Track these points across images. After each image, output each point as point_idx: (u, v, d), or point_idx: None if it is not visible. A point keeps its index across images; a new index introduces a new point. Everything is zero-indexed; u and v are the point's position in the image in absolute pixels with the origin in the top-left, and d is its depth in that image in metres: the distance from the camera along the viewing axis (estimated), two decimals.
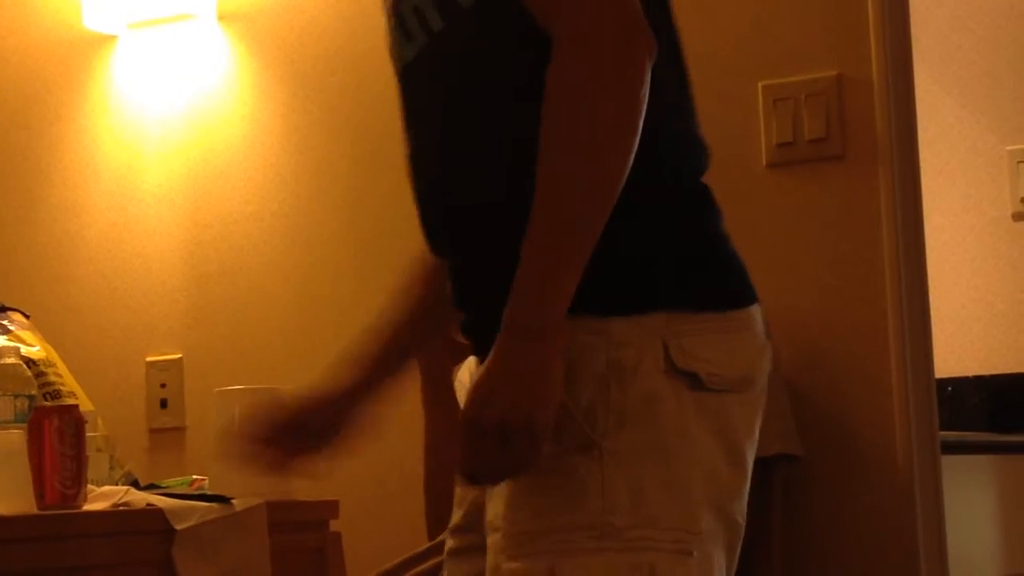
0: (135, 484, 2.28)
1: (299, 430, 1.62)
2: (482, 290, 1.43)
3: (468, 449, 1.34)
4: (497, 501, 1.40)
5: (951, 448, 2.59)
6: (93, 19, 2.95)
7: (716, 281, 1.43)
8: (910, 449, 2.34)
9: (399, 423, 2.64)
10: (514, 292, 1.33)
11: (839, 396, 2.37)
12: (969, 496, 2.95)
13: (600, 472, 1.35)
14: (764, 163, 2.48)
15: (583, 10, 1.33)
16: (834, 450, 2.36)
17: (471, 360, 2.31)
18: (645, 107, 1.33)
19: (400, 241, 2.72)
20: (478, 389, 1.34)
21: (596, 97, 1.32)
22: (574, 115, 1.32)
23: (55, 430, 2.00)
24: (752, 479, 1.84)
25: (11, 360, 2.17)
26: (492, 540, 1.41)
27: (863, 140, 2.41)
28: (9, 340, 2.38)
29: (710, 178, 2.44)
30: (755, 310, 1.44)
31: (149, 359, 2.95)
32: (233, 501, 2.15)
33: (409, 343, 1.66)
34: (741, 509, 1.41)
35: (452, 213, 1.46)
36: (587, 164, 1.33)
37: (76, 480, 2.00)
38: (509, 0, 1.39)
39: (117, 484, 2.23)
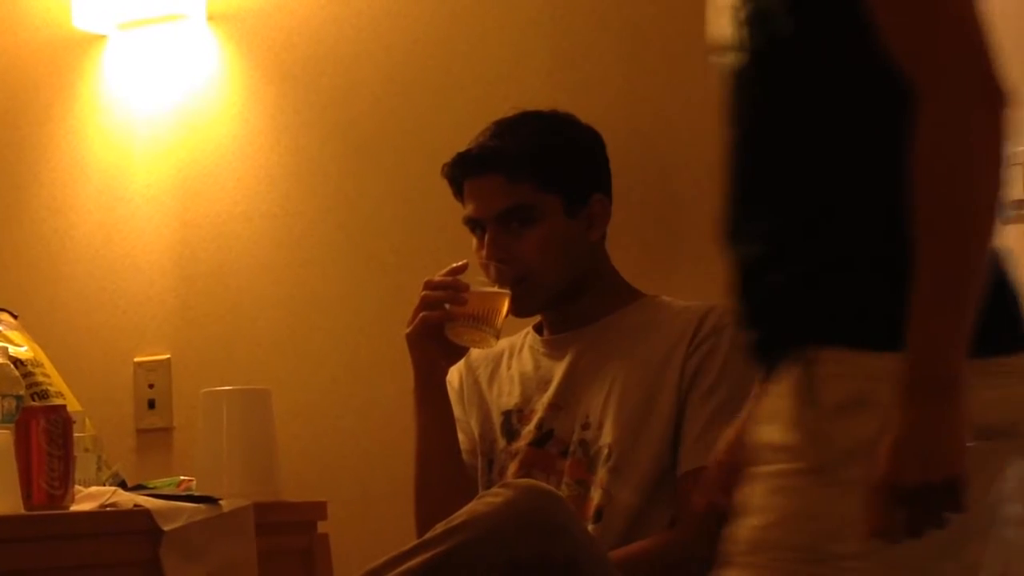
0: (122, 485, 2.29)
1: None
2: (776, 303, 1.47)
3: (886, 511, 1.35)
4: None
5: None
6: (83, 19, 2.94)
7: (1007, 323, 1.43)
8: None
9: (387, 424, 2.67)
10: (915, 348, 1.35)
11: None
12: None
13: (841, 499, 1.38)
14: None
15: (949, 67, 1.35)
16: None
17: (461, 363, 2.33)
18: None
19: (390, 242, 2.76)
20: (895, 451, 1.34)
21: (972, 166, 1.35)
22: (951, 183, 1.34)
23: (42, 430, 2.00)
24: None
25: None
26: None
27: None
28: None
29: (712, 179, 2.43)
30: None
31: (137, 359, 2.94)
32: (221, 502, 2.15)
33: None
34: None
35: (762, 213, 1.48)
36: (968, 222, 1.35)
37: (63, 480, 2.01)
38: (832, 31, 1.41)
39: (105, 485, 2.24)
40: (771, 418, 1.45)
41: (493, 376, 2.35)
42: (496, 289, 2.17)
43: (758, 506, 1.43)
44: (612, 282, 2.33)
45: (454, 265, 2.19)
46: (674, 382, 2.18)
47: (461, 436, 2.30)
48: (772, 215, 1.47)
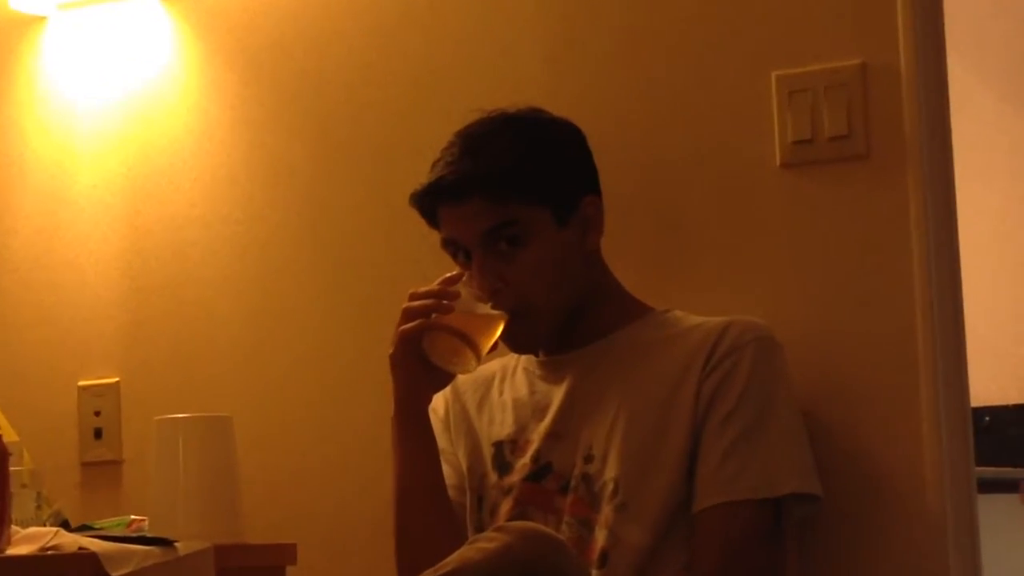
0: (65, 525, 2.28)
1: None
2: None
3: None
4: None
5: (988, 486, 2.59)
6: None
7: None
8: (942, 487, 2.33)
9: (365, 456, 2.67)
10: None
11: (862, 427, 2.36)
12: (1008, 538, 2.96)
13: None
14: (778, 163, 2.47)
15: None
16: (856, 489, 2.35)
17: (448, 389, 2.33)
18: None
19: (368, 250, 2.76)
20: None
21: None
22: None
23: None
24: (764, 521, 1.83)
25: None
26: None
27: (890, 137, 2.40)
28: None
29: (715, 180, 2.49)
30: None
31: (82, 383, 2.94)
32: (176, 545, 2.15)
33: None
34: None
35: None
36: None
37: None
38: None
39: (45, 525, 2.24)
40: None
41: (483, 402, 2.36)
42: (491, 311, 2.17)
43: None
44: (615, 295, 2.34)
45: (448, 275, 2.19)
46: (689, 406, 2.18)
47: (447, 470, 2.30)
48: None
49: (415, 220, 2.61)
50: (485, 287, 2.19)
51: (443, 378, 2.24)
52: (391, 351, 2.18)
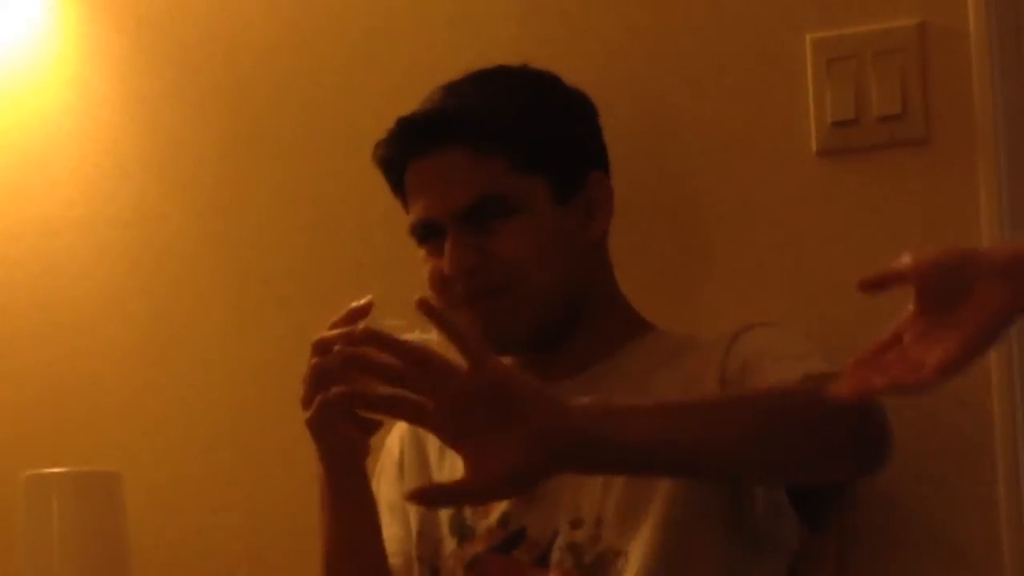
0: None
1: None
2: None
3: None
4: None
5: None
6: None
7: None
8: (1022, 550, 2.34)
9: (277, 524, 2.70)
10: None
11: (919, 456, 2.35)
12: None
13: None
14: (814, 150, 2.46)
15: None
16: (905, 545, 2.38)
17: (404, 427, 2.34)
18: None
19: (291, 261, 2.77)
20: None
21: None
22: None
23: None
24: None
25: None
26: None
27: (954, 117, 2.39)
28: None
29: (737, 171, 2.44)
30: None
31: None
32: None
33: None
34: None
35: None
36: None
37: None
38: None
39: None
40: None
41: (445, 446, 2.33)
42: (420, 335, 2.09)
43: None
44: (618, 307, 2.34)
45: (353, 306, 2.12)
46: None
47: (395, 531, 2.31)
48: None
49: (352, 222, 2.73)
50: (459, 267, 2.20)
51: (373, 428, 2.20)
52: (308, 415, 2.14)
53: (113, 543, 2.39)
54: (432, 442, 2.32)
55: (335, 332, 2.10)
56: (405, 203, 2.29)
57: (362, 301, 2.11)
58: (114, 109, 2.86)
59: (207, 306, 2.80)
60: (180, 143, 2.83)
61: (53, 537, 2.37)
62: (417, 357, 1.82)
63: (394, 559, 2.28)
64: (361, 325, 2.05)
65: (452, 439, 1.80)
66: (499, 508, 2.23)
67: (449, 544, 2.26)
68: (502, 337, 2.23)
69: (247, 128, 2.79)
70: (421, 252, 2.27)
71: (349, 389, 2.05)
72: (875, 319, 2.31)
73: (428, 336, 2.08)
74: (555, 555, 2.18)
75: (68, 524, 2.38)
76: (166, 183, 2.83)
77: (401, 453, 2.36)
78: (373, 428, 2.18)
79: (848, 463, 2.00)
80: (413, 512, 2.31)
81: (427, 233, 2.25)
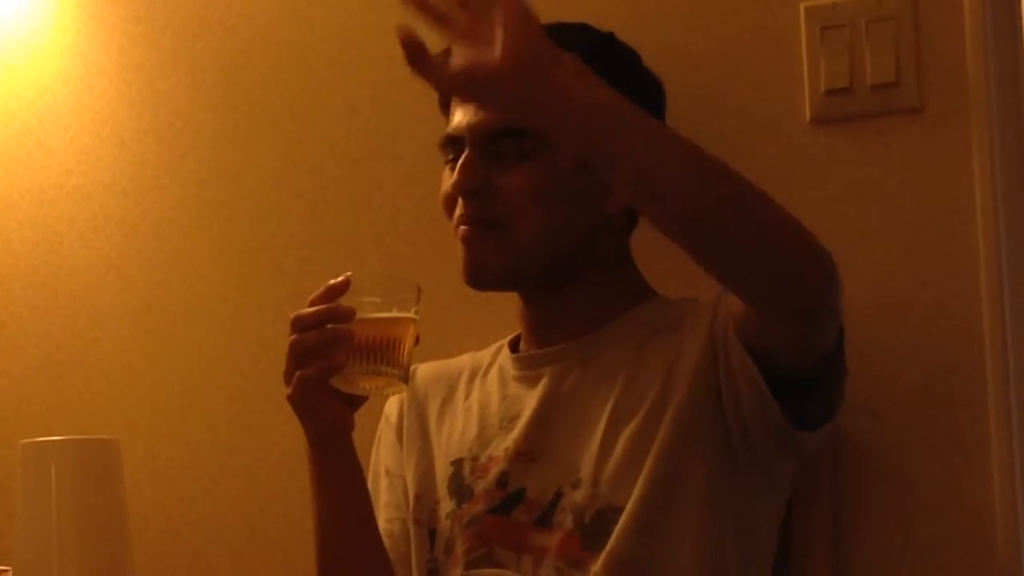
0: None
1: None
2: None
3: None
4: None
5: None
6: None
7: None
8: (1015, 521, 2.33)
9: (273, 494, 2.64)
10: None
11: (917, 437, 2.37)
12: None
13: None
14: (808, 118, 2.46)
15: None
16: (899, 513, 2.38)
17: (396, 398, 2.35)
18: None
19: (289, 230, 2.77)
20: None
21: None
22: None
23: None
24: None
25: None
26: None
27: (949, 85, 2.39)
28: None
29: (730, 139, 2.45)
30: None
31: None
32: None
33: None
34: None
35: None
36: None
37: None
38: None
39: None
40: None
41: (444, 409, 2.35)
42: (394, 313, 2.13)
43: None
44: (619, 277, 2.32)
45: (331, 283, 2.13)
46: (702, 356, 2.15)
47: (391, 496, 2.32)
48: None
49: (348, 191, 2.68)
50: (462, 185, 2.20)
51: (357, 403, 2.20)
52: (288, 393, 2.15)
53: (111, 511, 2.40)
54: (433, 401, 2.34)
55: (313, 309, 2.11)
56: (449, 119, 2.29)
57: (340, 278, 2.12)
58: (111, 78, 2.86)
59: (205, 274, 2.80)
60: (177, 112, 2.82)
61: (51, 505, 2.37)
62: None
63: (391, 525, 2.30)
64: (340, 302, 2.09)
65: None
66: (498, 467, 2.24)
67: (447, 505, 2.27)
68: (478, 271, 2.23)
69: (244, 97, 2.78)
70: (444, 173, 2.27)
71: (327, 363, 2.09)
72: (868, 284, 2.39)
73: (405, 314, 2.10)
74: (556, 515, 2.18)
75: (66, 492, 2.37)
76: (163, 152, 2.83)
77: (399, 418, 2.36)
78: (356, 403, 2.18)
79: (794, 263, 1.97)
80: (411, 476, 2.32)
81: (451, 150, 2.25)
